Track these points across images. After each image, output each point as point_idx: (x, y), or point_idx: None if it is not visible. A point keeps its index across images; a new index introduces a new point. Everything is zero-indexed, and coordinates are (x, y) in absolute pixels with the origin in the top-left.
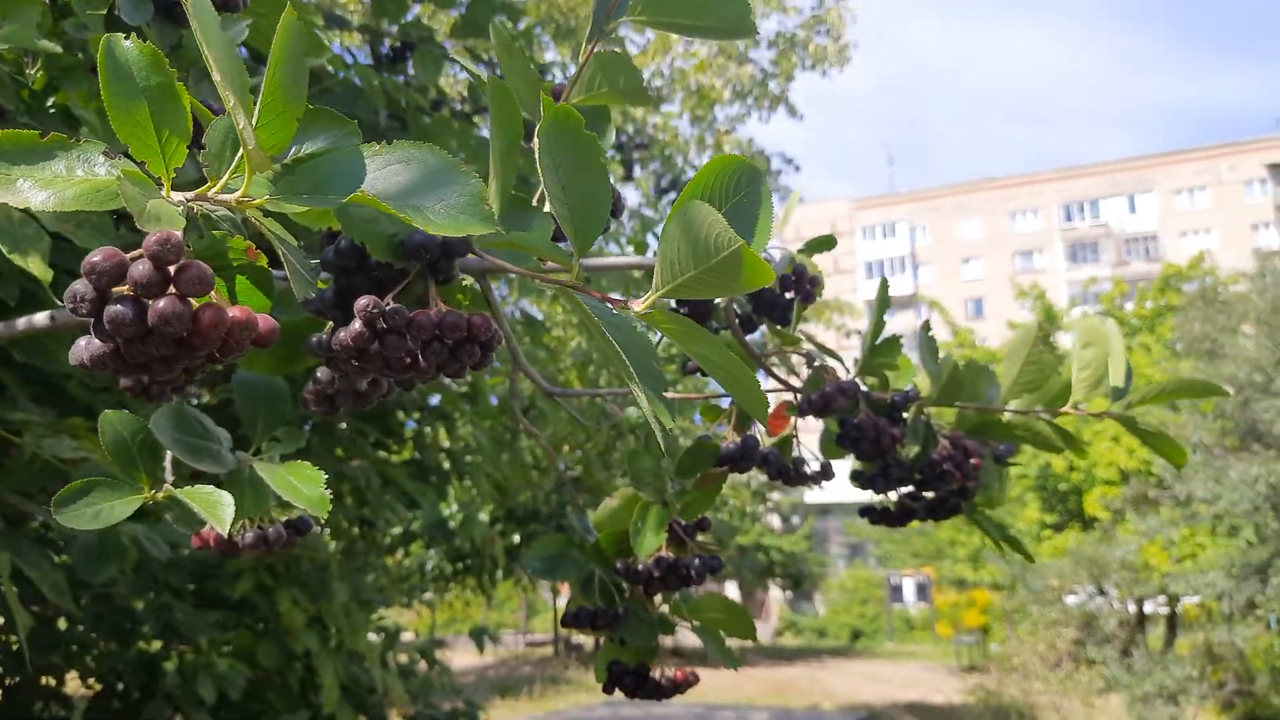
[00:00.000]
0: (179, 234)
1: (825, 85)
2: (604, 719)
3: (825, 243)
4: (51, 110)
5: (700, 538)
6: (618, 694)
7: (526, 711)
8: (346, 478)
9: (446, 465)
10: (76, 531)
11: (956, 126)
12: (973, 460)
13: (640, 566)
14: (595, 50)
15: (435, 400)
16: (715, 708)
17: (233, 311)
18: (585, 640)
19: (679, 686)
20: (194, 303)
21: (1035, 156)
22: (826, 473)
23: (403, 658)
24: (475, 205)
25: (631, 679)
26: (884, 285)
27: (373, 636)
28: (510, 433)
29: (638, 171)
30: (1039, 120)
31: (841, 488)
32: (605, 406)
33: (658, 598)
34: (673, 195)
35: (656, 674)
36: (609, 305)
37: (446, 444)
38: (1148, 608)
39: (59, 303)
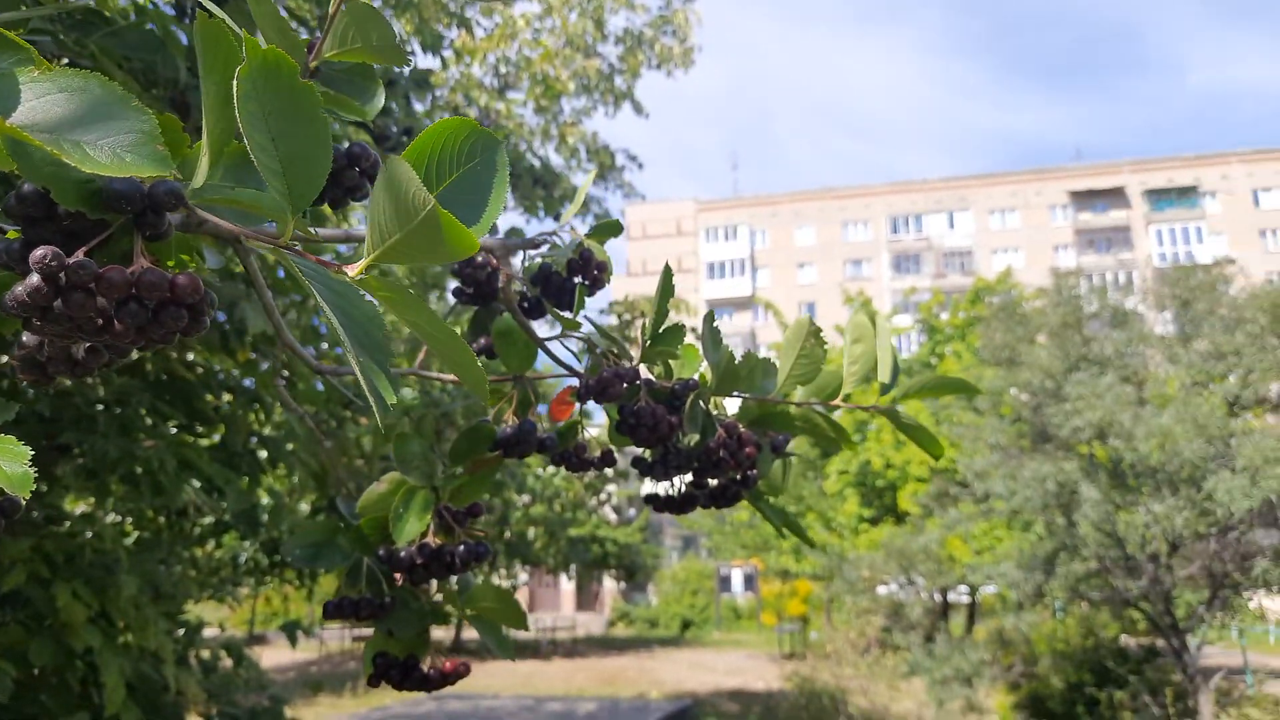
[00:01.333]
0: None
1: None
2: (430, 713)
3: (612, 228)
4: None
5: (472, 524)
6: (448, 690)
7: (350, 708)
8: (139, 459)
9: (262, 452)
10: None
11: (798, 135)
12: (747, 449)
13: (403, 553)
14: (344, 2)
15: (249, 382)
16: (544, 700)
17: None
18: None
19: (448, 678)
20: None
21: (868, 169)
22: (607, 459)
23: (205, 654)
24: (147, 144)
25: (399, 671)
26: (666, 274)
27: (170, 633)
28: (336, 420)
29: None
30: (872, 135)
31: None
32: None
33: (432, 586)
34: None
35: (425, 665)
36: (326, 269)
37: (263, 430)
38: (952, 597)
39: None
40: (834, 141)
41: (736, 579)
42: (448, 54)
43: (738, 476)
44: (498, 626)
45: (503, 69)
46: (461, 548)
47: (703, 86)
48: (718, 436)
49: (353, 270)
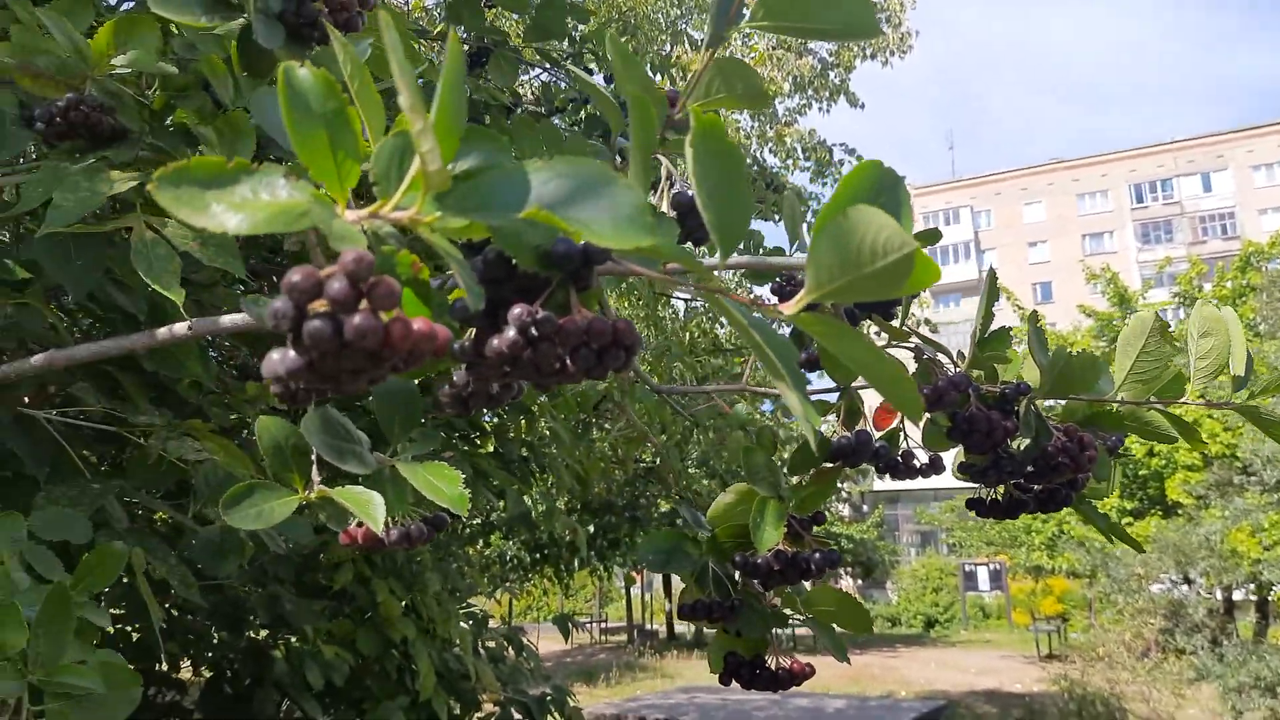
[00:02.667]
0: (370, 254)
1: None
2: (680, 705)
3: (930, 236)
4: (171, 128)
5: (815, 532)
6: (694, 681)
7: (604, 698)
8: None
9: (527, 457)
10: (199, 527)
11: (1016, 110)
12: (1088, 452)
13: (759, 560)
14: (714, 58)
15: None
16: (790, 695)
17: (417, 324)
18: (659, 628)
19: (796, 677)
20: (384, 317)
21: (1096, 138)
22: (936, 465)
23: (490, 644)
24: (640, 217)
25: (748, 670)
26: (992, 277)
27: (463, 625)
28: (583, 425)
29: None
30: (1099, 101)
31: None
32: (680, 402)
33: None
34: None
35: (773, 664)
36: (758, 307)
37: (526, 436)
38: (1235, 595)
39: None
40: (1056, 112)
41: (982, 576)
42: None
43: (1068, 480)
44: (832, 628)
45: None
46: (817, 555)
47: (911, 70)
48: (1055, 440)
49: (788, 308)
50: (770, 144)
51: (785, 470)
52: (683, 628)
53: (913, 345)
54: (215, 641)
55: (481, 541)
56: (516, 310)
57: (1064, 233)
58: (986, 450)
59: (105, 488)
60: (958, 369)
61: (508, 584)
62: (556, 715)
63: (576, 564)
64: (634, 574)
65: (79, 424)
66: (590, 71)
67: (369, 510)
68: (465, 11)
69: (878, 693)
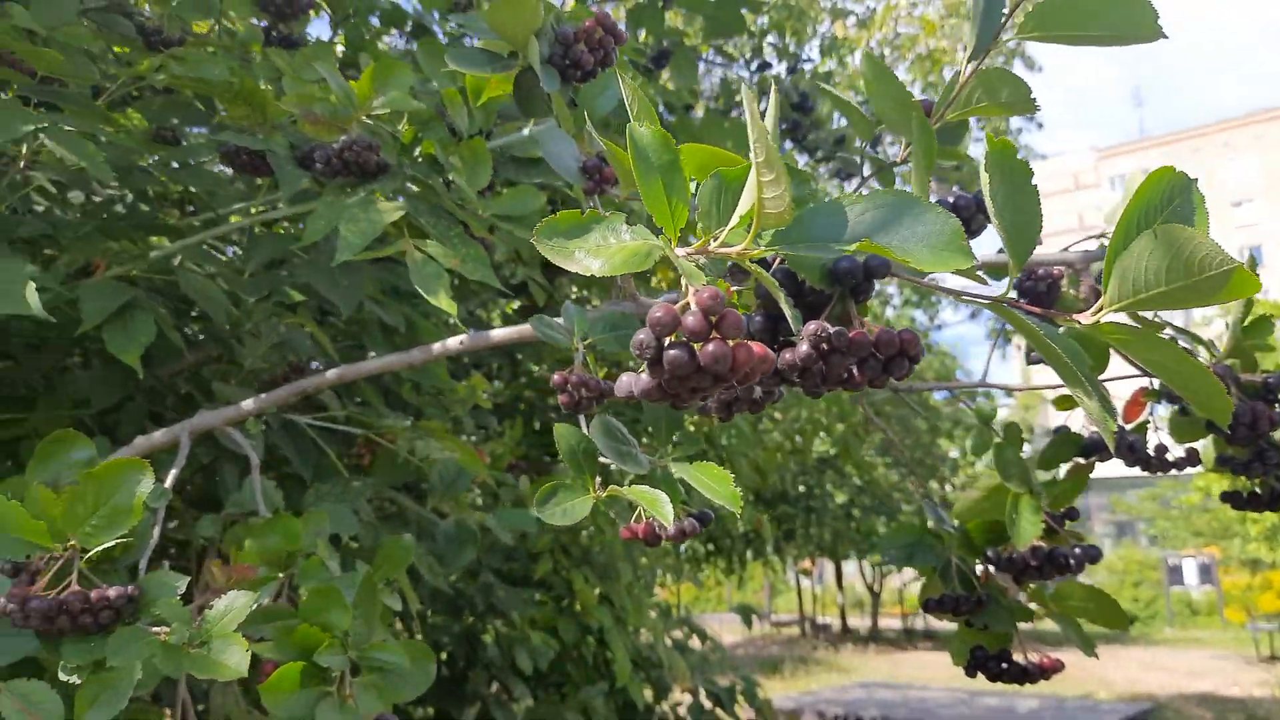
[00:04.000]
0: (721, 291)
1: None
2: (859, 700)
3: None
4: (419, 159)
5: (1067, 527)
6: (871, 677)
7: (779, 691)
8: None
9: (706, 450)
10: (438, 520)
11: (1208, 61)
12: None
13: (1015, 555)
14: (978, 69)
15: None
16: (978, 694)
17: (755, 348)
18: (832, 621)
19: (1045, 671)
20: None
21: None
22: (1192, 458)
23: (675, 634)
24: (955, 241)
25: (994, 663)
26: (1252, 260)
27: (651, 614)
28: (759, 416)
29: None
30: None
31: (1108, 463)
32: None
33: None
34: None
35: (1021, 659)
36: (1050, 318)
37: (705, 429)
38: None
39: (460, 328)
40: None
41: (1189, 569)
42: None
43: None
44: (1079, 624)
45: (884, 51)
46: (1077, 549)
47: None
48: None
49: (1085, 318)
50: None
51: (1037, 466)
52: (856, 622)
53: (1164, 334)
54: (431, 625)
55: None
56: (812, 326)
57: (1275, 190)
58: (1249, 442)
59: (363, 485)
60: (1215, 360)
61: (684, 576)
62: (747, 705)
63: (750, 555)
64: (809, 566)
65: (331, 427)
66: (768, 65)
67: (659, 507)
68: (646, 16)
69: (1074, 694)
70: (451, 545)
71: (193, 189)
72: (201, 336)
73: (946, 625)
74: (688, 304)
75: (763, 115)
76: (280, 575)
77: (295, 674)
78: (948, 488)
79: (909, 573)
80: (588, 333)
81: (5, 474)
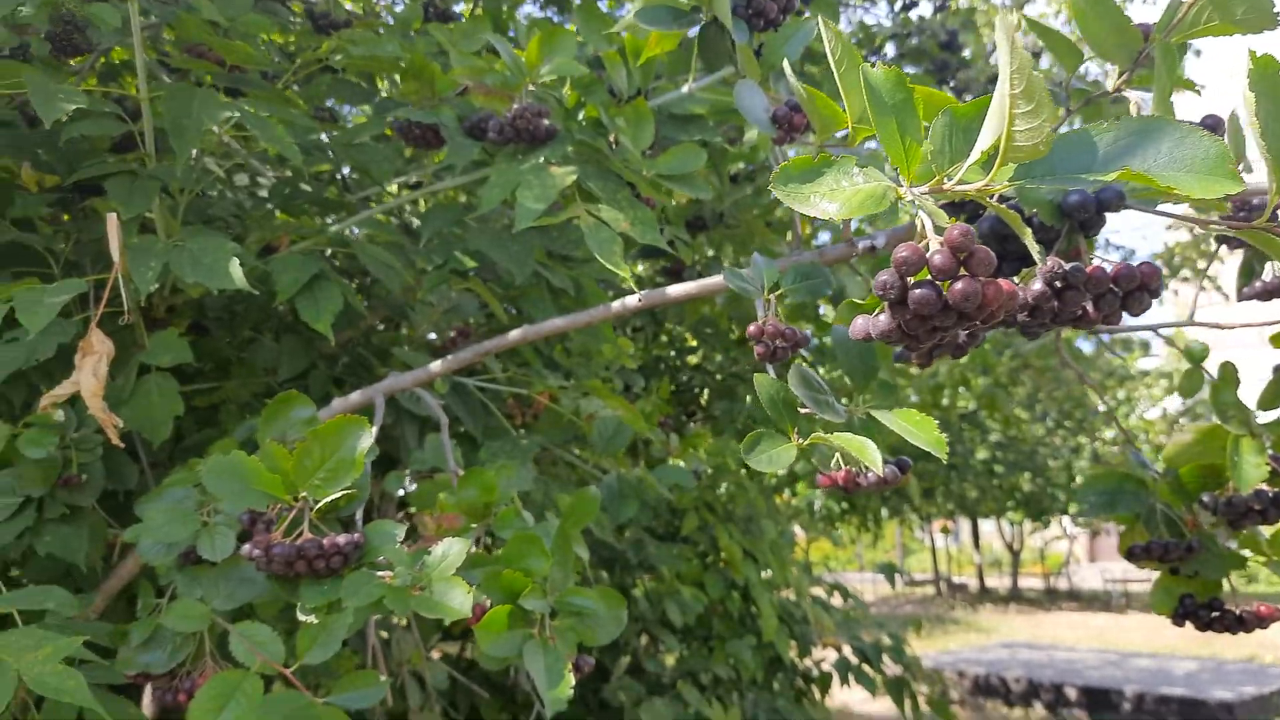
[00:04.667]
0: (971, 227)
1: None
2: (1002, 660)
3: None
4: (583, 121)
5: None
6: (1011, 637)
7: (918, 649)
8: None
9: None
10: (599, 475)
11: None
12: None
13: (1234, 499)
14: None
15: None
16: (1128, 655)
17: (1004, 285)
18: (968, 580)
19: (1263, 620)
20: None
21: None
22: None
23: (816, 592)
24: (1224, 164)
25: (1205, 612)
26: None
27: (793, 571)
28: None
29: None
30: None
31: None
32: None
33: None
34: None
35: (1236, 609)
36: None
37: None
38: None
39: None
40: None
41: None
42: None
43: None
44: None
45: None
46: None
47: None
48: None
49: None
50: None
51: (1256, 407)
52: (994, 582)
53: None
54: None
55: (788, 490)
56: (1049, 263)
57: None
58: None
59: (531, 442)
60: None
61: (820, 533)
62: (892, 662)
63: (885, 513)
64: (947, 524)
65: (497, 388)
66: (913, 4)
67: (866, 454)
68: None
69: (1235, 656)
70: (613, 500)
71: (350, 165)
72: (375, 304)
73: (1091, 584)
74: (931, 242)
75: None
76: (476, 525)
77: (503, 616)
78: (1097, 442)
79: (1050, 531)
80: (778, 283)
81: (208, 437)
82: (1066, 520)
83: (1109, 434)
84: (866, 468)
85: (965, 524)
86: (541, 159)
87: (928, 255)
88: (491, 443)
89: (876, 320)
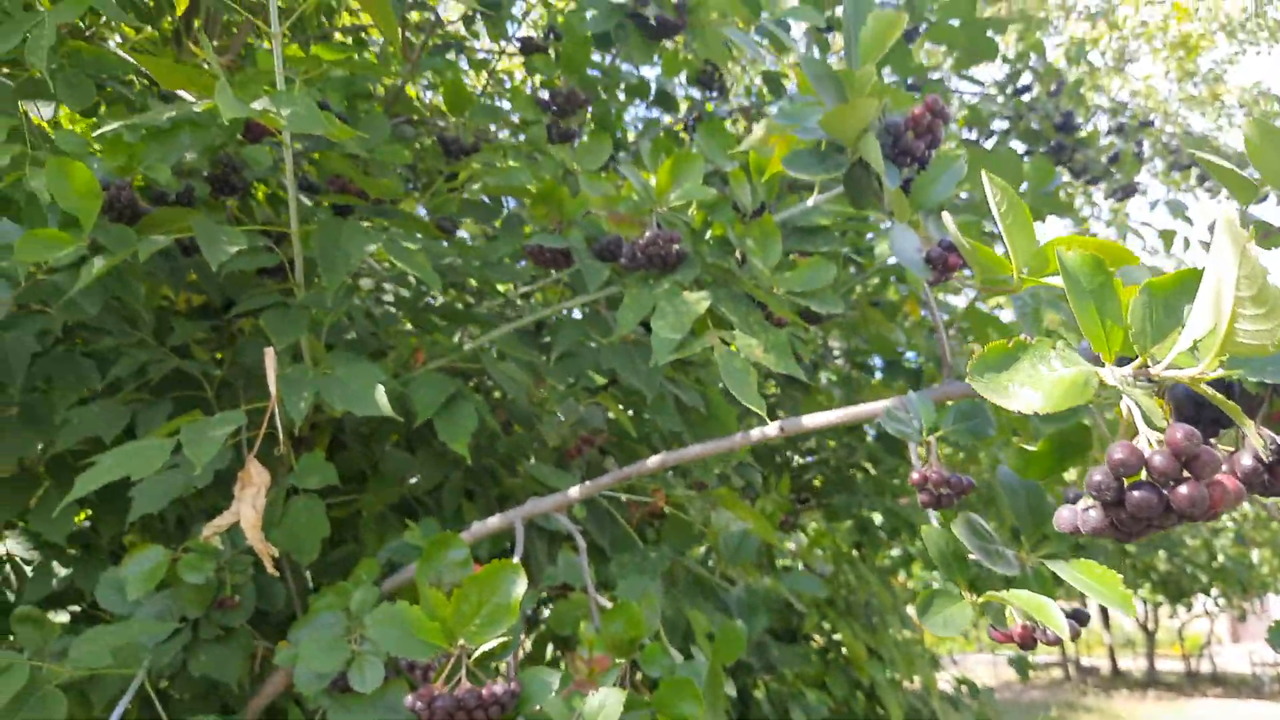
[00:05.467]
0: (1194, 430)
1: None
2: None
3: None
4: (710, 241)
5: None
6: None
7: None
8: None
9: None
10: (728, 586)
11: None
12: None
13: None
14: None
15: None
16: None
17: (1230, 486)
18: (1099, 662)
19: None
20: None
21: None
22: None
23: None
24: None
25: None
26: None
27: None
28: None
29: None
30: None
31: None
32: None
33: None
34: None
35: None
36: None
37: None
38: None
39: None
40: None
41: None
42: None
43: None
44: None
45: (1128, 42)
46: None
47: None
48: None
49: None
50: (1206, 110)
51: None
52: (1128, 664)
53: None
54: None
55: (903, 572)
56: (1264, 436)
57: None
58: None
59: (660, 555)
60: None
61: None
62: None
63: None
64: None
65: (620, 496)
66: (1026, 89)
67: (1048, 615)
68: (892, 54)
69: None
70: (744, 612)
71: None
72: (502, 411)
73: (1238, 668)
74: (1146, 437)
75: (1239, 242)
76: (622, 660)
77: None
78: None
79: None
80: (936, 424)
81: (349, 553)
82: (1205, 599)
83: (1250, 511)
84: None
85: (1094, 601)
86: (674, 284)
87: (1147, 457)
88: (621, 556)
89: (1087, 517)
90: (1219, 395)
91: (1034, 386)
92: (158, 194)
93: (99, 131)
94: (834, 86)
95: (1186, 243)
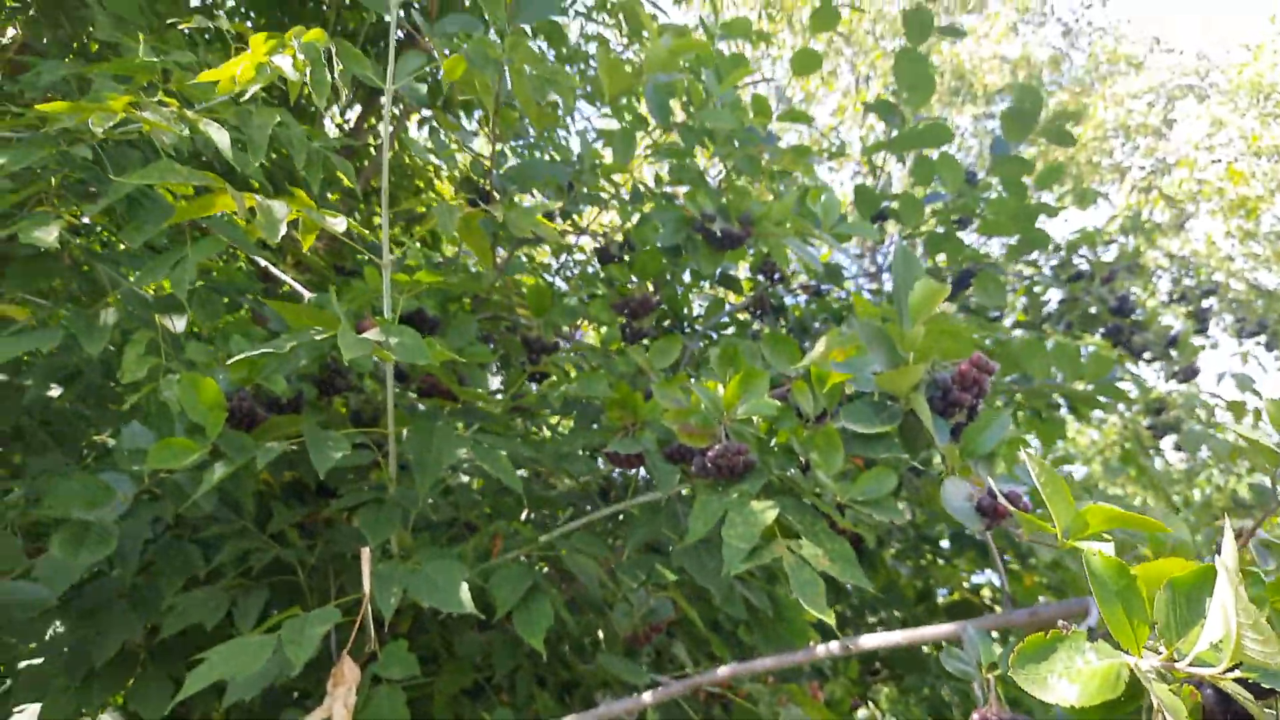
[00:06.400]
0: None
1: None
2: None
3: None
4: (774, 448)
5: None
6: None
7: None
8: None
9: None
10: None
11: None
12: None
13: None
14: None
15: None
16: None
17: None
18: None
19: None
20: None
21: None
22: None
23: None
24: None
25: None
26: None
27: None
28: None
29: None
30: None
31: None
32: None
33: None
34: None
35: None
36: None
37: None
38: None
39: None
40: None
41: None
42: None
43: None
44: None
45: (1184, 204)
46: None
47: None
48: None
49: None
50: (1270, 265)
51: None
52: None
53: None
54: None
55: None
56: None
57: None
58: None
59: None
60: None
61: None
62: None
63: None
64: None
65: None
66: (1081, 274)
67: None
68: (944, 243)
69: None
70: None
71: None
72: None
73: None
74: None
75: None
76: None
77: None
78: None
79: None
80: (995, 661)
81: None
82: None
83: None
84: None
85: None
86: (742, 493)
87: None
88: None
89: None
90: (1243, 692)
91: (1071, 679)
92: (271, 399)
93: (232, 360)
94: (885, 346)
95: (1257, 414)
